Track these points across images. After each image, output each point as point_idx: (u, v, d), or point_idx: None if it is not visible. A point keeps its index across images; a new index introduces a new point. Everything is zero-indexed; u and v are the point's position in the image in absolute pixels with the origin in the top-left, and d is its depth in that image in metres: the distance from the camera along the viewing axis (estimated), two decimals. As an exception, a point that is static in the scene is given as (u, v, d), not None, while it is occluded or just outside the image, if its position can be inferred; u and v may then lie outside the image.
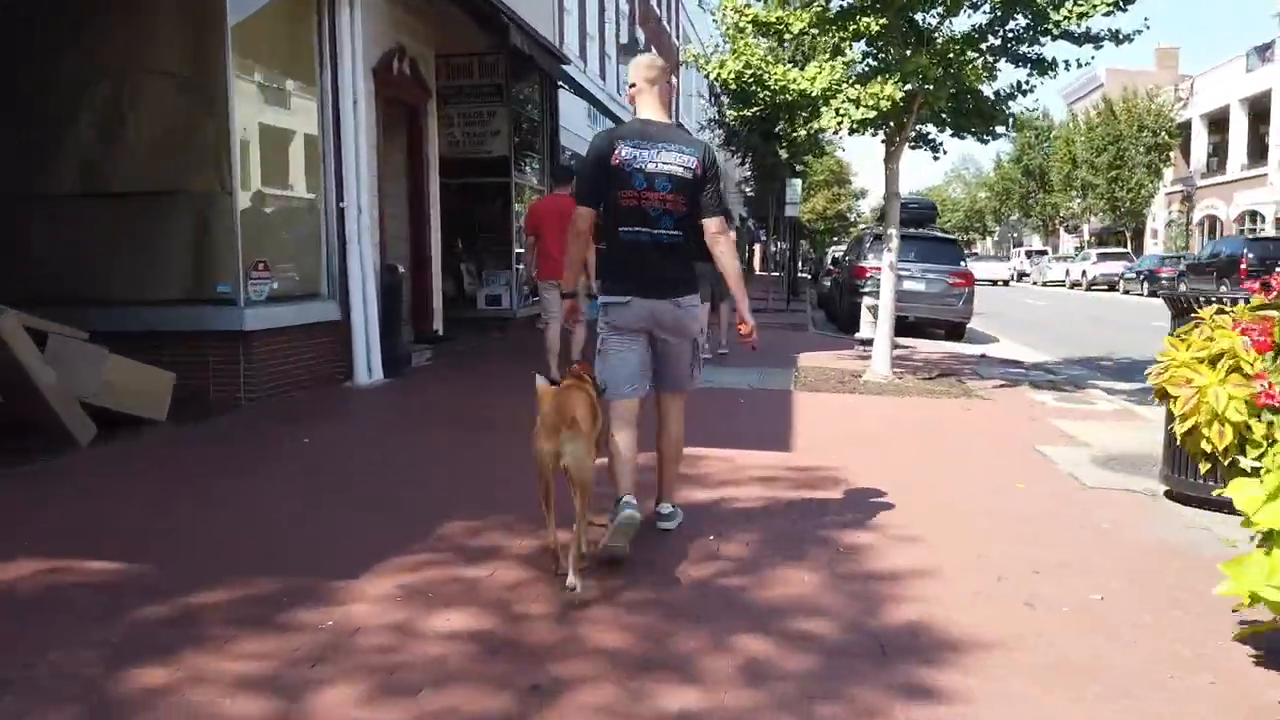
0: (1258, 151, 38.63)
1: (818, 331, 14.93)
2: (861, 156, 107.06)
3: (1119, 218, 43.36)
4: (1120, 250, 39.87)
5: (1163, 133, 41.63)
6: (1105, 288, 36.12)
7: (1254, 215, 37.35)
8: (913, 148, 9.58)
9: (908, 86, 8.04)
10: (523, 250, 13.44)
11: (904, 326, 14.41)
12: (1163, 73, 47.43)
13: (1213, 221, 39.91)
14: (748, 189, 29.86)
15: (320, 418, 6.81)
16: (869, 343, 11.61)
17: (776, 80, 8.77)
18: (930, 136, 9.60)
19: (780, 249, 24.10)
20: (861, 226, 17.08)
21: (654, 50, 19.83)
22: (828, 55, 9.13)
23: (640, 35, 19.57)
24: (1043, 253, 49.80)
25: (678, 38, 26.66)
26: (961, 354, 12.34)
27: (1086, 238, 48.18)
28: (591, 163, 3.75)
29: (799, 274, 29.34)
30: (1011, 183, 57.85)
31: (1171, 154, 42.11)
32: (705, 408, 6.42)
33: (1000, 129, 9.04)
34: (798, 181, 19.78)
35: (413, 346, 9.79)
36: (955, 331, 15.59)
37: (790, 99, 8.92)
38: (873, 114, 8.12)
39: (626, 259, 3.74)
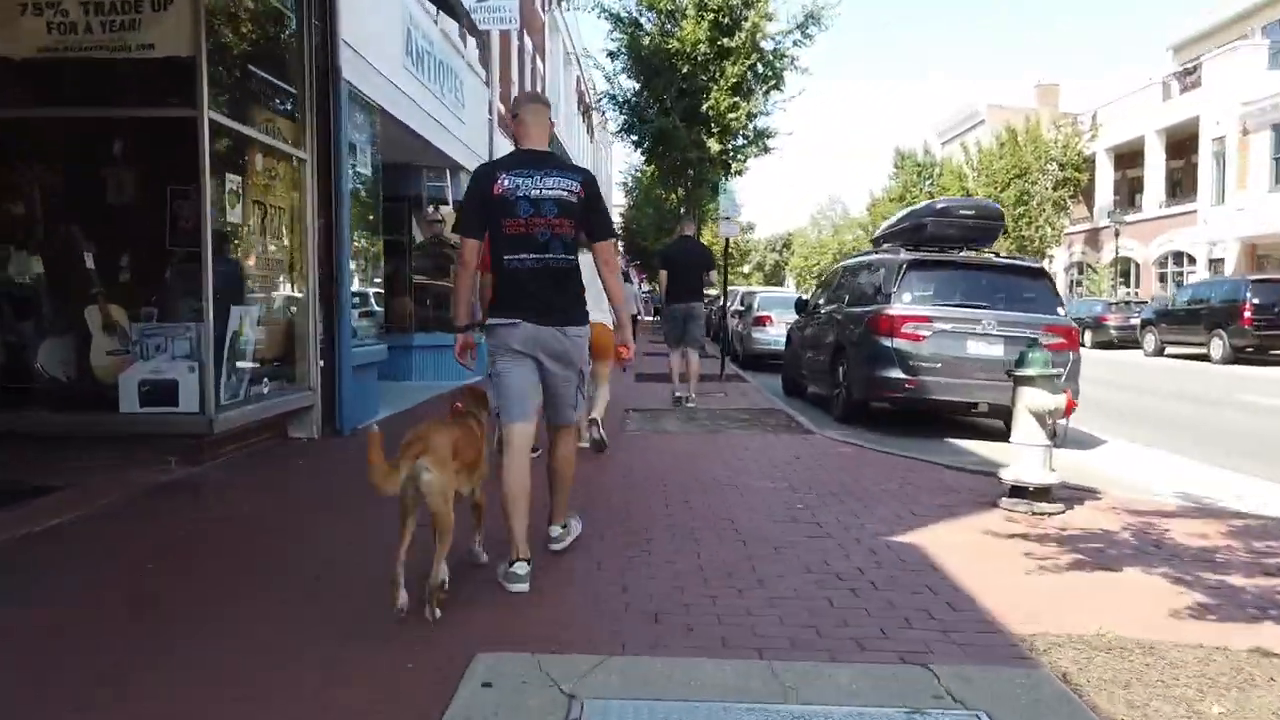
0: (1179, 187, 35.36)
1: (831, 436, 8.16)
2: (748, 185, 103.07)
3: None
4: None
5: (1069, 167, 38.03)
6: (1022, 336, 31.42)
7: (1179, 257, 33.76)
8: None
9: None
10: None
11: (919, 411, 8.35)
12: (1044, 109, 44.57)
13: (1126, 264, 36.33)
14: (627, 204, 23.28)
15: None
16: (1035, 496, 4.94)
17: None
18: None
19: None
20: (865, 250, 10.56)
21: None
22: None
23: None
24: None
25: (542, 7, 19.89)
26: (1160, 504, 5.76)
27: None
28: (473, 195, 3.74)
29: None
30: (893, 222, 54.03)
31: (1078, 190, 38.57)
32: None
33: None
34: (733, 186, 13.32)
35: None
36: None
37: None
38: None
39: (516, 286, 3.70)
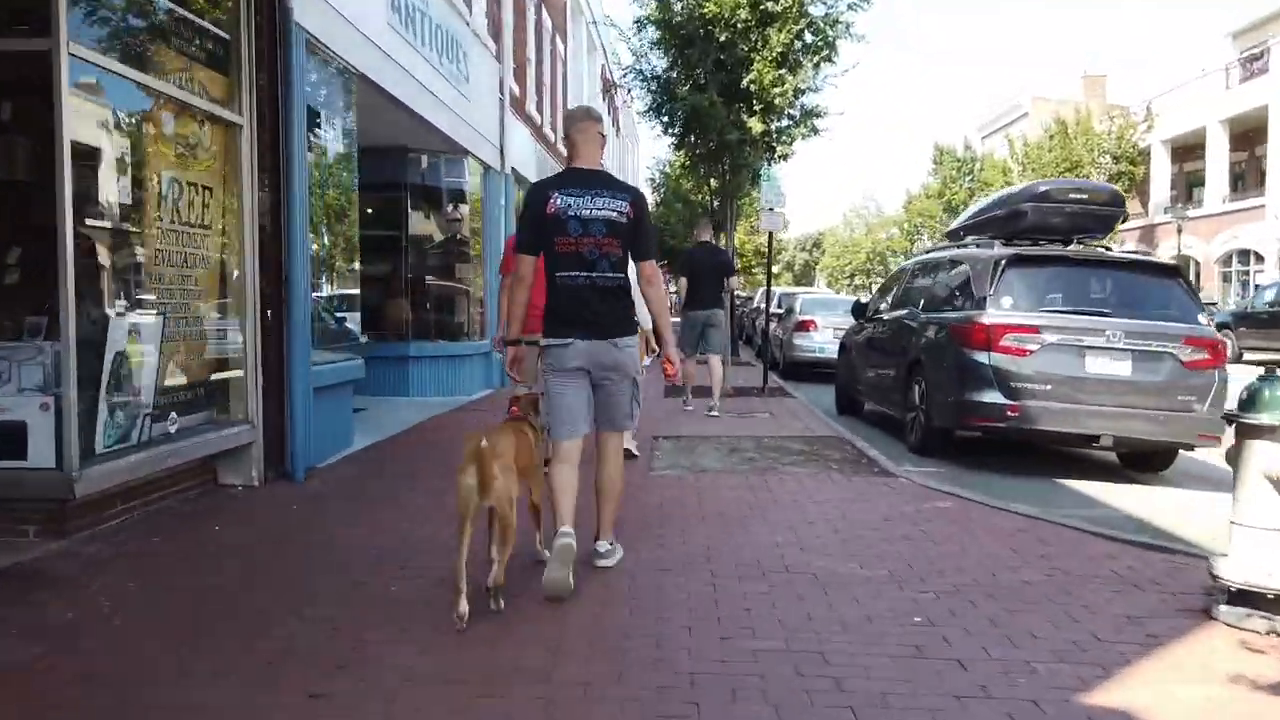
0: (1243, 180, 33.11)
1: (918, 479, 6.42)
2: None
3: (1076, 257, 37.21)
4: (1092, 295, 33.40)
5: (1124, 160, 35.86)
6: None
7: (1245, 255, 31.51)
8: None
9: None
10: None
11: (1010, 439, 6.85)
12: (1092, 101, 42.47)
13: (1184, 263, 34.07)
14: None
15: None
16: (1276, 606, 3.10)
17: None
18: None
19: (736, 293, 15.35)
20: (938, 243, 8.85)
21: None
22: None
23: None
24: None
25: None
26: None
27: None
28: (528, 214, 3.84)
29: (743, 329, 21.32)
30: (929, 219, 52.09)
31: (1133, 184, 36.35)
32: None
33: None
34: (776, 172, 11.61)
35: None
36: (1156, 458, 7.47)
37: None
38: None
39: (567, 302, 3.79)
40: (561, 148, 19.29)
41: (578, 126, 3.96)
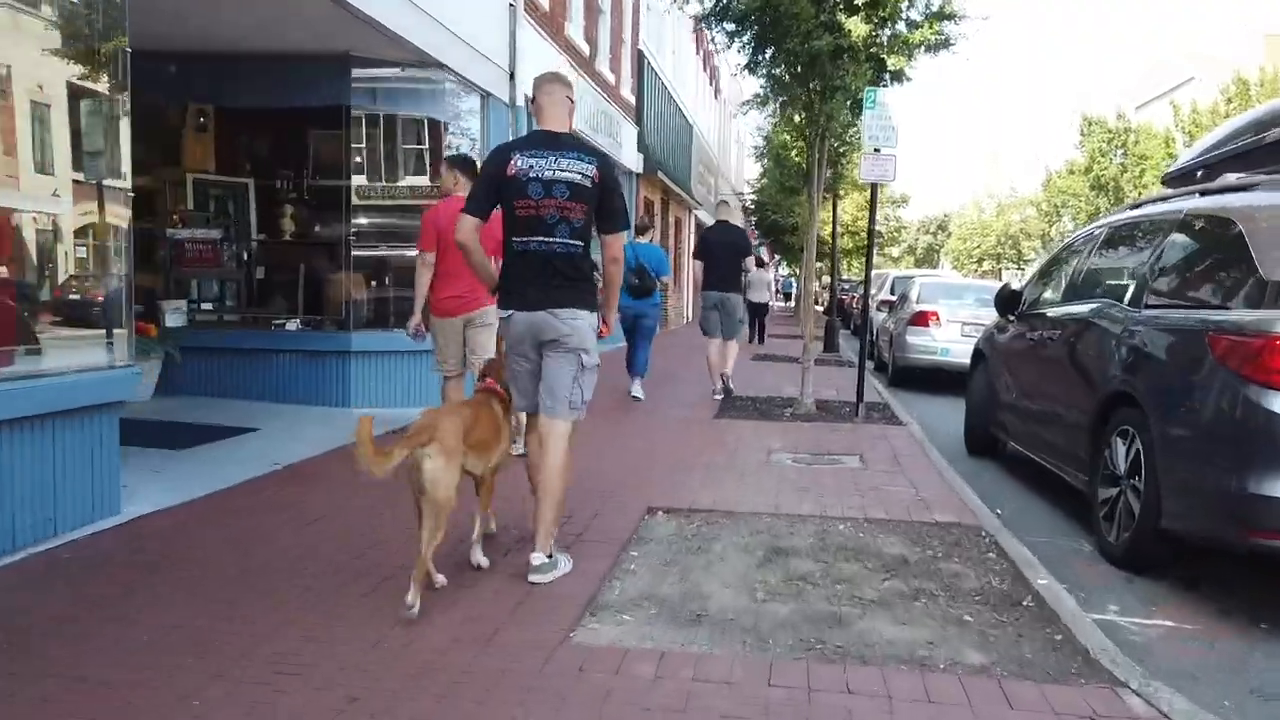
0: None
1: (1157, 702, 2.90)
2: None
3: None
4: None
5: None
6: None
7: None
8: None
9: None
10: None
11: None
12: (1278, 61, 36.49)
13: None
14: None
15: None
16: None
17: None
18: None
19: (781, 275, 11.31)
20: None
21: None
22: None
23: None
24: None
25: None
26: None
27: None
28: (486, 174, 3.66)
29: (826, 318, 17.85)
30: (1074, 197, 46.46)
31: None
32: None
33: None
34: (879, 93, 7.88)
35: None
36: None
37: None
38: None
39: (518, 270, 3.61)
40: (628, 94, 15.74)
41: (543, 89, 3.70)
